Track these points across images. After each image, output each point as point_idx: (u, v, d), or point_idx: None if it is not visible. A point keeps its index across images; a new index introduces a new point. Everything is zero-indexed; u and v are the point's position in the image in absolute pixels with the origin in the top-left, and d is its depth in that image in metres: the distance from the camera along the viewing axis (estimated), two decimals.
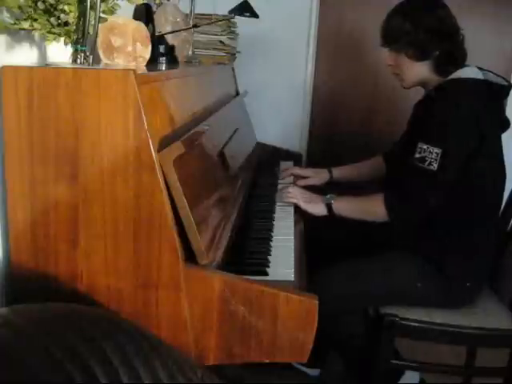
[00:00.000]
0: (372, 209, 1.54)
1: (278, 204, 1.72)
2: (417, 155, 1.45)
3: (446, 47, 1.51)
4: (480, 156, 1.44)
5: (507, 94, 1.55)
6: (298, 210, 1.69)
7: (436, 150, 1.41)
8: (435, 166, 1.42)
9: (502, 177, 1.55)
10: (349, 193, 1.65)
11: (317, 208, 1.63)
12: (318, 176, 1.97)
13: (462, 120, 1.43)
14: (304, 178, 1.96)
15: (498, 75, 1.53)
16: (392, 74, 1.65)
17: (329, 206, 1.60)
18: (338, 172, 1.98)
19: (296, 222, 1.60)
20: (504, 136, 1.55)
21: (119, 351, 0.78)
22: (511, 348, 1.57)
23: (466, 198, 1.49)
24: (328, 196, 1.63)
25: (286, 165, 2.28)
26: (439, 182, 1.45)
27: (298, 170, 2.04)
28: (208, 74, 1.84)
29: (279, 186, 1.90)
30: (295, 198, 1.67)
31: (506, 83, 1.53)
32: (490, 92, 1.49)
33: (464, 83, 1.49)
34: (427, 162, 1.43)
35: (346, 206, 1.61)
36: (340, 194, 1.65)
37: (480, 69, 1.53)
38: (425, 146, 1.44)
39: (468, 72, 1.51)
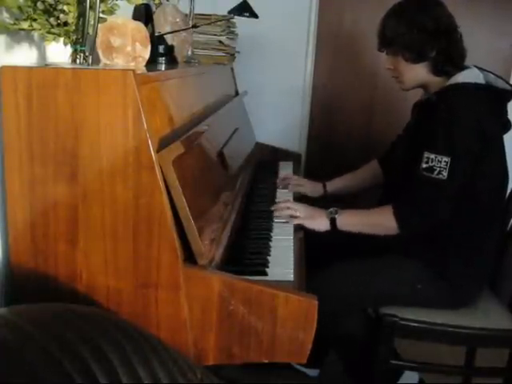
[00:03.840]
0: (381, 223, 1.51)
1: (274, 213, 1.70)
2: (424, 165, 1.43)
3: (443, 47, 1.50)
4: (483, 160, 1.44)
5: (509, 98, 1.53)
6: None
7: (445, 158, 1.40)
8: (445, 174, 1.40)
9: (505, 180, 1.55)
10: (348, 201, 1.62)
11: (319, 224, 1.55)
12: (311, 186, 1.93)
13: (466, 126, 1.42)
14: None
15: (499, 76, 1.53)
16: (391, 77, 1.64)
17: (332, 221, 1.54)
18: (333, 186, 1.93)
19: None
20: (505, 137, 1.54)
21: (118, 351, 0.78)
22: (511, 348, 1.57)
23: (468, 202, 1.48)
24: (331, 210, 1.56)
25: (284, 165, 2.28)
26: (450, 190, 1.43)
27: (295, 181, 1.95)
28: (207, 74, 1.84)
29: (280, 194, 1.84)
30: (297, 219, 1.58)
31: (507, 86, 1.51)
32: (491, 95, 1.48)
33: (465, 88, 1.48)
34: (436, 172, 1.41)
35: (351, 221, 1.55)
36: (342, 207, 1.59)
37: (480, 69, 1.53)
38: (432, 156, 1.41)
39: (468, 75, 1.50)
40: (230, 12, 1.83)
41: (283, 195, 1.86)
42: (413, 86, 1.61)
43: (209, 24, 2.05)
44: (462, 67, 1.53)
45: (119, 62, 1.21)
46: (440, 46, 1.50)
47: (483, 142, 1.42)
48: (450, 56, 1.51)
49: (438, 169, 1.41)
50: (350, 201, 1.73)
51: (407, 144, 1.65)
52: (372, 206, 1.59)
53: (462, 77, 1.50)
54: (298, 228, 1.56)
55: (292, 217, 1.59)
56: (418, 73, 1.55)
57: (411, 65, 1.54)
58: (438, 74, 1.54)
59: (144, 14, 1.62)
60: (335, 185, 1.94)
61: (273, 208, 1.65)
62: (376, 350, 1.52)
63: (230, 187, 1.53)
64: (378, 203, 1.62)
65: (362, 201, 1.62)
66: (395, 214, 1.47)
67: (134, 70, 0.96)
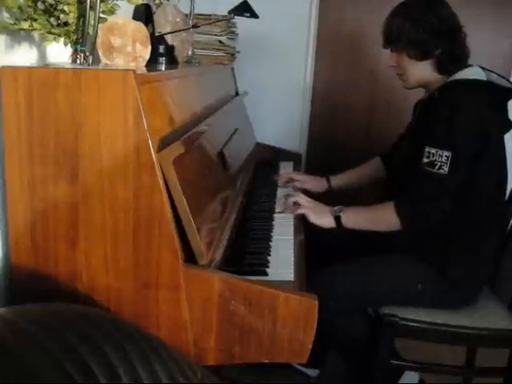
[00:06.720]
0: (383, 219, 1.51)
1: (277, 204, 1.71)
2: (425, 160, 1.43)
3: (448, 46, 1.51)
4: (483, 157, 1.43)
5: (511, 96, 1.53)
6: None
7: (446, 153, 1.39)
8: (446, 169, 1.40)
9: (505, 179, 1.54)
10: (351, 195, 1.61)
11: (325, 220, 1.56)
12: (315, 181, 1.94)
13: (467, 121, 1.42)
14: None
15: (502, 76, 1.53)
16: (396, 75, 1.64)
17: (337, 219, 1.55)
18: (337, 180, 1.94)
19: (295, 222, 1.60)
20: (505, 137, 1.54)
21: (119, 351, 0.78)
22: (511, 348, 1.57)
23: (468, 200, 1.48)
24: (336, 208, 1.56)
25: (285, 165, 2.28)
26: (451, 185, 1.43)
27: (295, 176, 1.98)
28: (208, 74, 1.84)
29: (281, 193, 1.84)
30: (303, 209, 1.60)
31: (509, 85, 1.52)
32: (492, 93, 1.49)
33: (467, 84, 1.48)
34: (437, 166, 1.41)
35: (355, 218, 1.56)
36: (347, 204, 1.59)
37: (483, 69, 1.53)
38: (433, 150, 1.42)
39: (471, 72, 1.50)
40: (230, 12, 1.83)
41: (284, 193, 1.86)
42: (416, 84, 1.61)
43: (209, 24, 2.05)
44: (465, 66, 1.53)
45: (119, 62, 1.21)
46: (444, 45, 1.51)
47: (483, 137, 1.43)
48: (454, 55, 1.52)
49: (439, 163, 1.41)
50: (352, 195, 1.73)
51: (409, 141, 1.65)
52: (374, 202, 1.59)
53: (464, 74, 1.50)
54: (299, 228, 1.56)
55: (296, 204, 1.62)
56: (422, 70, 1.56)
57: (415, 62, 1.55)
58: (442, 73, 1.55)
59: (144, 14, 1.62)
60: (339, 180, 1.95)
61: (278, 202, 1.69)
62: (376, 349, 1.52)
63: (230, 187, 1.53)
64: (380, 200, 1.62)
65: (364, 195, 1.61)
66: (397, 210, 1.47)
67: (134, 70, 0.96)
